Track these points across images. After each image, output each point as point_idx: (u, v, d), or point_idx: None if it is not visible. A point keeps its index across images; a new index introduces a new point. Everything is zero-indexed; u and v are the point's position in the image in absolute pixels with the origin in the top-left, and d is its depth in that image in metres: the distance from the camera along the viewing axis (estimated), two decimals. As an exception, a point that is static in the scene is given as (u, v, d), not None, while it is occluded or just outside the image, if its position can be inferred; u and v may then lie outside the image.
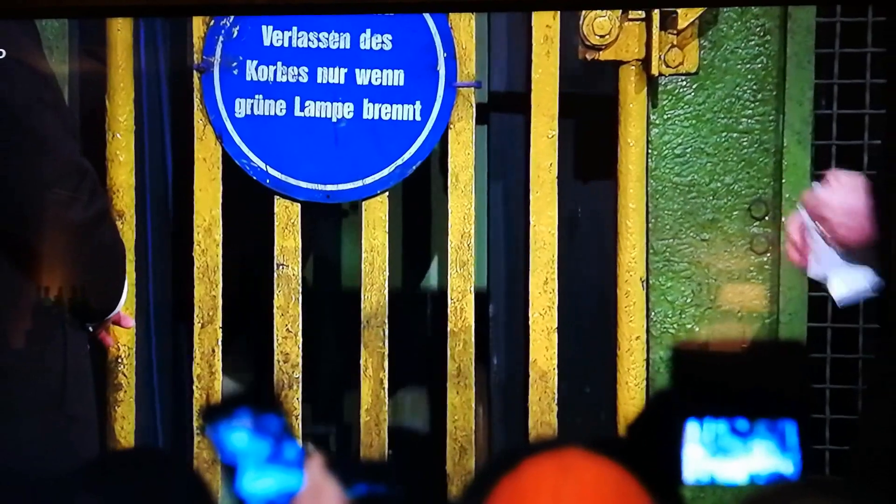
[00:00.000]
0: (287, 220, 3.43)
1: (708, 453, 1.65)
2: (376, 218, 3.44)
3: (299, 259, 3.44)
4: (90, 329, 2.86)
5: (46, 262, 2.75)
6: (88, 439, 2.84)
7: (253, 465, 1.78)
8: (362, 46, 3.41)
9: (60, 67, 3.42)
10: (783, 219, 3.45)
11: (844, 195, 2.63)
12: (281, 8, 2.43)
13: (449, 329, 3.43)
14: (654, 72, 3.37)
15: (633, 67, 3.39)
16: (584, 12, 3.33)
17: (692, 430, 1.65)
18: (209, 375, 3.42)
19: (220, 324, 3.43)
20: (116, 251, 2.84)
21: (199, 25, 3.40)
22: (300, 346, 3.44)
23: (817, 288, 3.43)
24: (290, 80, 3.41)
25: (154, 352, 3.63)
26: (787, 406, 1.66)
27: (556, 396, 3.44)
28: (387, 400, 3.45)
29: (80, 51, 3.54)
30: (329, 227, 3.84)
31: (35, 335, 2.76)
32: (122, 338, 3.26)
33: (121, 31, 3.35)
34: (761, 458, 1.64)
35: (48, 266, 2.75)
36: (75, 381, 2.80)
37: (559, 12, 3.37)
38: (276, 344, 3.44)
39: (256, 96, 3.42)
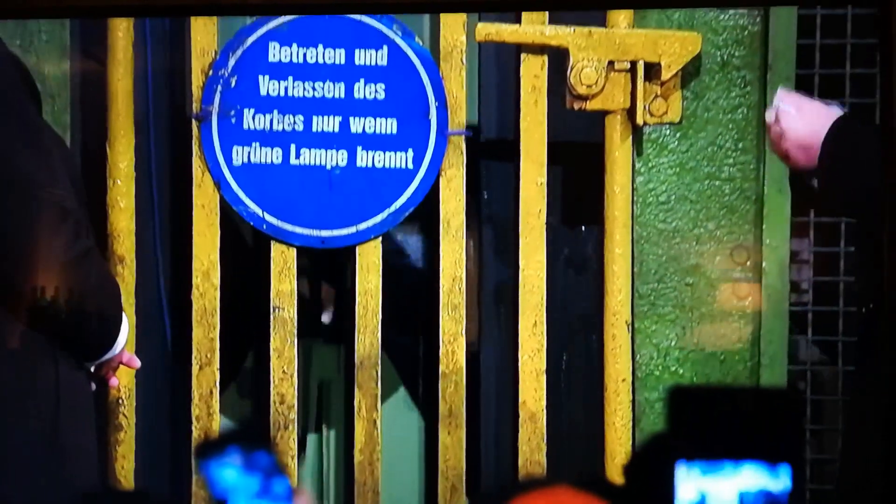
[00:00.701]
0: (283, 264, 3.43)
1: (699, 474, 1.67)
2: (370, 262, 3.44)
3: (294, 302, 3.44)
4: (91, 368, 2.82)
5: (31, 300, 2.70)
6: (85, 473, 2.81)
7: (242, 501, 1.78)
8: (356, 96, 3.42)
9: (62, 116, 3.43)
10: (764, 264, 3.46)
11: (798, 131, 2.86)
12: (273, 8, 2.41)
13: (440, 371, 3.43)
14: (639, 121, 3.38)
15: (619, 117, 3.39)
16: (571, 64, 3.34)
17: (682, 471, 1.66)
18: (207, 416, 3.41)
19: (217, 365, 3.42)
20: (104, 292, 2.81)
21: (197, 75, 3.41)
22: (295, 387, 3.43)
23: (797, 331, 3.52)
24: (286, 128, 3.42)
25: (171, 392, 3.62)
26: (780, 448, 1.67)
27: (544, 436, 3.43)
28: (380, 439, 3.44)
29: (81, 99, 3.53)
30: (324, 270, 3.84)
31: (24, 371, 2.73)
32: (123, 378, 3.18)
33: (122, 81, 3.37)
34: (751, 478, 1.66)
35: (33, 305, 2.71)
36: (70, 416, 2.76)
37: (546, 63, 3.39)
38: (272, 385, 3.44)
39: (253, 144, 3.42)
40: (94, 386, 2.85)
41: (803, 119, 2.87)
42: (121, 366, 2.88)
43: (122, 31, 3.38)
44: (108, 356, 2.82)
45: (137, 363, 2.93)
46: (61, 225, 2.65)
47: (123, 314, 2.85)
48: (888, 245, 1.63)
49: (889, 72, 1.64)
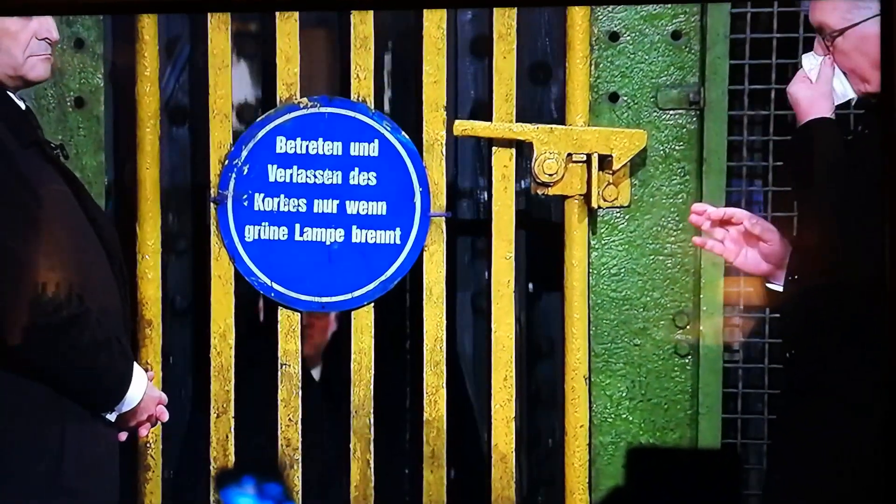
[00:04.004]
0: (289, 326, 3.57)
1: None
2: (363, 325, 3.55)
3: (299, 359, 3.54)
4: (111, 419, 2.95)
5: (24, 360, 2.82)
6: None
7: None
8: (351, 182, 3.55)
9: (98, 200, 3.47)
10: (701, 328, 3.55)
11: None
12: (260, 5, 2.39)
13: (424, 418, 3.53)
14: (594, 205, 3.50)
15: (577, 201, 3.51)
16: (535, 155, 3.45)
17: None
18: (223, 458, 3.52)
19: (232, 414, 3.55)
20: (103, 352, 2.87)
21: (215, 164, 3.55)
22: (300, 433, 3.54)
23: (729, 384, 3.61)
24: (291, 209, 3.55)
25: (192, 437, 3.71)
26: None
27: (514, 475, 3.54)
28: (372, 478, 3.54)
29: (115, 185, 3.70)
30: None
31: (30, 419, 2.86)
32: (151, 426, 3.31)
33: (149, 170, 3.53)
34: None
35: (31, 361, 2.82)
36: (77, 460, 2.88)
37: (514, 155, 3.51)
38: (279, 431, 3.55)
39: (263, 223, 3.56)
40: (123, 435, 3.03)
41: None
42: (153, 418, 3.04)
43: (149, 128, 3.56)
44: (126, 408, 2.98)
45: (166, 416, 3.09)
46: (41, 294, 2.81)
47: (139, 371, 2.98)
48: (889, 245, 1.58)
49: (890, 69, 1.59)
